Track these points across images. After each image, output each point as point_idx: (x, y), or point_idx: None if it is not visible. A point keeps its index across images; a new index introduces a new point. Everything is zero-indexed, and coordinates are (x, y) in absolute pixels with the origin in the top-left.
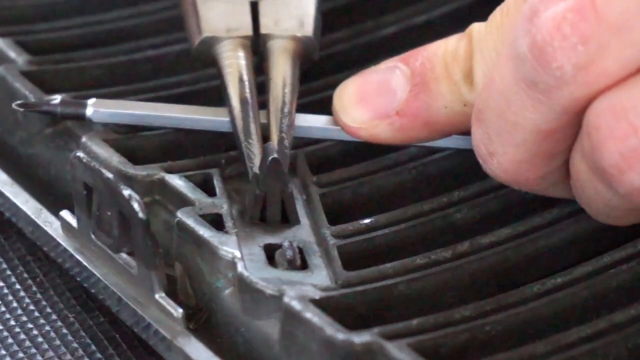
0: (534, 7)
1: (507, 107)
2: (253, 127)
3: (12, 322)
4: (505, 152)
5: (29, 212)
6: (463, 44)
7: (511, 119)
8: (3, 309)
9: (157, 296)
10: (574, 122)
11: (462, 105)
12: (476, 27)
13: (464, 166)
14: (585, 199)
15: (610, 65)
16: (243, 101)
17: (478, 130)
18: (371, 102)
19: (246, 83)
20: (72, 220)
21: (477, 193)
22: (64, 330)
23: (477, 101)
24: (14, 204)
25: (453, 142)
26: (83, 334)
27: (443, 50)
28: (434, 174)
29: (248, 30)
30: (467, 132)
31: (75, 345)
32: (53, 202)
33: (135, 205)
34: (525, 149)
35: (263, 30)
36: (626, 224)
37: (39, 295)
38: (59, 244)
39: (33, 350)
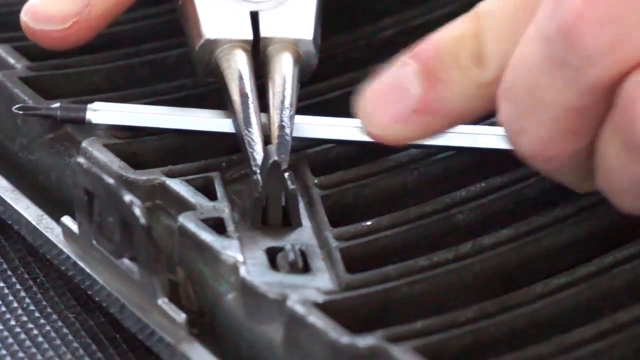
0: None
1: (535, 85)
2: (253, 117)
3: (13, 322)
4: (535, 129)
5: (30, 219)
6: (467, 26)
7: (540, 96)
8: (4, 309)
9: (159, 301)
10: (604, 99)
11: (477, 88)
12: (482, 6)
13: (466, 167)
14: (611, 180)
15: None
16: (243, 95)
17: (506, 107)
18: (388, 105)
19: (246, 80)
20: (74, 226)
21: (479, 194)
22: (65, 330)
23: (504, 78)
24: (15, 210)
25: (456, 141)
26: (84, 334)
27: (448, 37)
28: (436, 175)
29: (248, 35)
30: (485, 117)
31: (75, 345)
32: (54, 208)
33: (137, 211)
34: (555, 125)
35: (263, 34)
36: None
37: (39, 296)
38: (60, 250)
39: (33, 350)
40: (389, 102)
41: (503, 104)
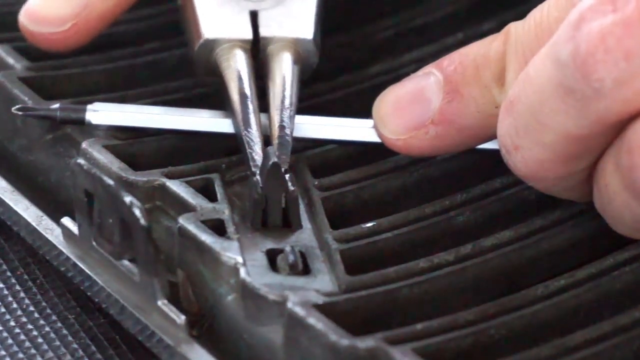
0: (582, 14)
1: (539, 106)
2: (252, 117)
3: (12, 323)
4: (531, 148)
5: (29, 220)
6: (496, 44)
7: (542, 118)
8: (3, 309)
9: (159, 303)
10: (607, 132)
11: (494, 108)
12: (513, 26)
13: (466, 169)
14: (610, 210)
15: None
16: (242, 95)
17: (506, 121)
18: (407, 112)
19: (245, 80)
20: (74, 228)
21: (479, 195)
22: (64, 331)
23: (510, 92)
24: (15, 212)
25: None
26: (83, 334)
27: (475, 52)
28: (436, 176)
29: (248, 34)
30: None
31: (75, 346)
32: (54, 209)
33: (137, 212)
34: (551, 149)
35: (263, 34)
36: None
37: (38, 297)
38: (60, 251)
39: (33, 351)
40: (408, 109)
41: (503, 116)
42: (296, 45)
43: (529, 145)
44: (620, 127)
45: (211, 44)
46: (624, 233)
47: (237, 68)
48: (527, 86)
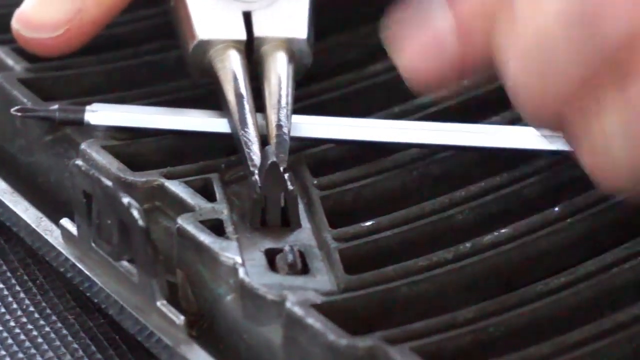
0: None
1: (548, 36)
2: (249, 117)
3: (12, 324)
4: (539, 73)
5: (29, 221)
6: None
7: (549, 43)
8: (3, 310)
9: (158, 303)
10: (611, 59)
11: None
12: None
13: (466, 167)
14: (604, 159)
15: None
16: (238, 96)
17: (513, 46)
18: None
19: (240, 81)
20: (73, 229)
21: (479, 194)
22: (64, 332)
23: (518, 22)
24: (14, 213)
25: (456, 141)
26: (83, 335)
27: None
28: (435, 175)
29: (242, 35)
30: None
31: (75, 346)
32: (53, 210)
33: (135, 213)
34: (558, 72)
35: (257, 34)
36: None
37: (38, 297)
38: (59, 252)
39: (33, 351)
40: (429, 58)
41: (512, 51)
42: (290, 45)
43: (532, 70)
44: (624, 60)
45: (205, 45)
46: (609, 188)
47: (231, 68)
48: (534, 10)
